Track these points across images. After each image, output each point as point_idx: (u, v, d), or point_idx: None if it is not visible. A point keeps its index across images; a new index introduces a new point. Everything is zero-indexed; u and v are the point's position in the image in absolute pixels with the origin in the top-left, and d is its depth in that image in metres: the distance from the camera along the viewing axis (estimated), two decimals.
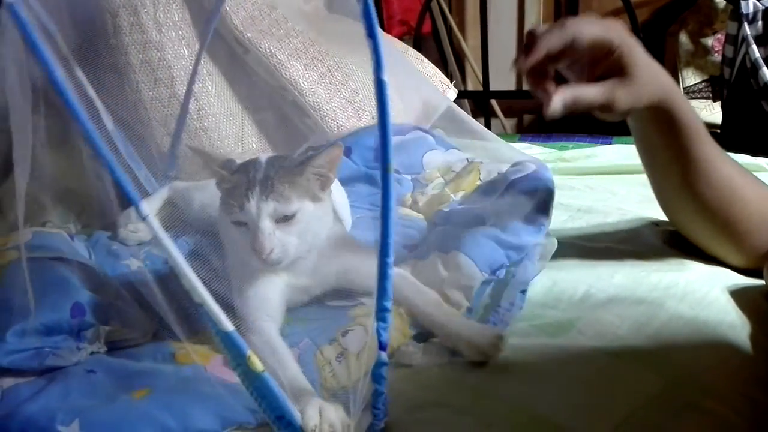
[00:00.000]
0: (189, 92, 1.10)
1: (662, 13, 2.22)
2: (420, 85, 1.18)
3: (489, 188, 0.99)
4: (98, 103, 0.69)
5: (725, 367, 0.66)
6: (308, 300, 0.82)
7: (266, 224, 0.72)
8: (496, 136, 1.12)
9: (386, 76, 0.52)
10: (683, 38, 2.14)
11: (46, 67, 0.53)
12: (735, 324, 0.72)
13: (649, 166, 0.86)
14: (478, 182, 1.06)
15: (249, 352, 0.55)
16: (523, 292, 0.80)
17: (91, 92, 0.72)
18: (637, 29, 1.85)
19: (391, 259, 0.54)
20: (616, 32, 0.73)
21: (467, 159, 1.16)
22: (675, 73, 2.14)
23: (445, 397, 0.65)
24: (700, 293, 0.77)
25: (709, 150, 0.78)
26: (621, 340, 0.71)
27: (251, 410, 0.63)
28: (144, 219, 0.53)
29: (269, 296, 0.76)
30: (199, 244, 0.79)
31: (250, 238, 0.72)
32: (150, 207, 0.80)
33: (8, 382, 0.70)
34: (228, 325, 0.55)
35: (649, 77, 0.74)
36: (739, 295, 0.77)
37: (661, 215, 0.92)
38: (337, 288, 0.81)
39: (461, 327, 0.72)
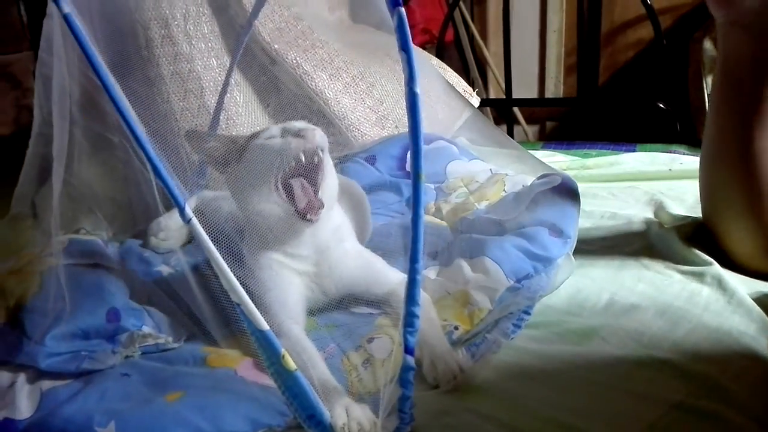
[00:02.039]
0: (220, 103, 1.13)
1: (686, 19, 2.20)
2: (443, 93, 1.19)
3: (514, 199, 1.00)
4: (132, 114, 0.71)
5: (748, 377, 0.66)
6: (327, 301, 0.84)
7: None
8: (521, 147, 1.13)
9: (419, 89, 0.53)
10: (707, 45, 2.12)
11: (99, 75, 0.57)
12: (757, 334, 0.72)
13: (722, 104, 0.85)
14: (503, 193, 1.07)
15: (283, 351, 0.58)
16: (531, 300, 0.81)
17: (126, 103, 0.75)
18: (660, 36, 1.85)
19: (420, 265, 0.56)
20: None
21: (491, 170, 1.17)
22: (699, 80, 2.12)
23: (471, 403, 0.66)
24: (723, 302, 0.77)
25: None
26: (644, 348, 0.71)
27: (280, 413, 0.64)
28: (188, 222, 0.58)
29: (289, 299, 0.79)
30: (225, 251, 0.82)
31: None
32: (179, 217, 0.83)
33: (47, 384, 0.73)
34: (263, 324, 0.58)
35: None
36: (760, 303, 0.77)
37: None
38: (354, 294, 0.83)
39: (435, 349, 0.71)
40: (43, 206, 1.06)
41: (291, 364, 0.58)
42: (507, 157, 1.16)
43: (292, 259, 0.81)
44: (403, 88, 0.55)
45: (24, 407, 0.70)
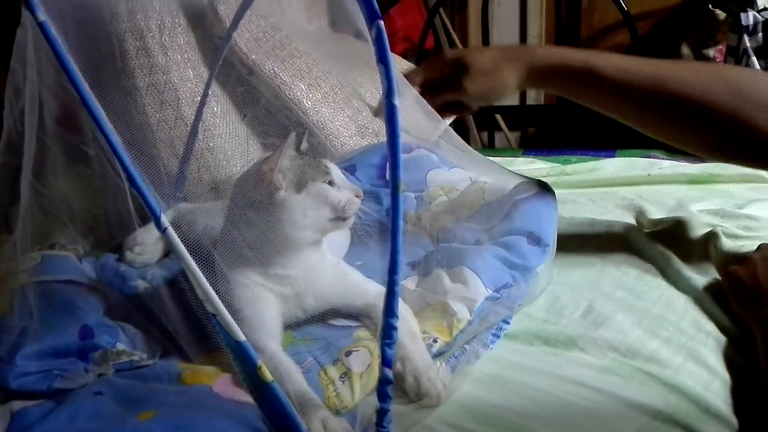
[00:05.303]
0: (199, 116, 1.12)
1: (663, 25, 2.23)
2: (420, 103, 1.19)
3: (493, 208, 1.00)
4: (107, 122, 0.70)
5: (727, 387, 0.66)
6: (305, 316, 0.82)
7: None
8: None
9: (397, 101, 0.53)
10: (685, 50, 2.14)
11: (74, 83, 0.57)
12: (734, 341, 0.72)
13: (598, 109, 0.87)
14: (482, 201, 1.06)
15: (260, 362, 0.58)
16: (510, 309, 0.81)
17: (101, 112, 0.74)
18: (638, 41, 1.86)
19: (399, 277, 0.56)
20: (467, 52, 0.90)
21: (470, 178, 1.17)
22: None
23: (451, 417, 0.66)
24: (699, 309, 0.77)
25: (615, 63, 0.81)
26: (623, 357, 0.71)
27: (256, 429, 0.63)
28: (163, 231, 0.57)
29: (264, 315, 0.77)
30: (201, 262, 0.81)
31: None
32: (155, 231, 0.81)
33: (18, 404, 0.71)
34: (240, 335, 0.58)
35: (491, 64, 0.86)
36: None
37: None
38: (333, 307, 0.83)
39: (417, 364, 0.70)
40: (16, 220, 1.04)
41: (267, 375, 0.58)
42: (484, 167, 1.16)
43: (276, 281, 0.80)
44: (382, 98, 0.54)
45: None
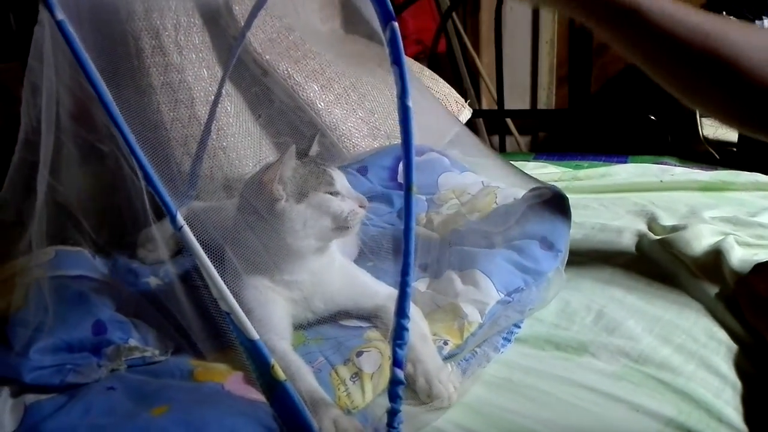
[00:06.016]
0: (212, 115, 1.12)
1: None
2: (433, 106, 1.19)
3: (505, 212, 1.00)
4: (124, 120, 0.71)
5: (738, 395, 0.66)
6: (315, 318, 0.83)
7: None
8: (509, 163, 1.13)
9: (411, 102, 0.53)
10: None
11: (92, 81, 0.57)
12: (746, 349, 0.72)
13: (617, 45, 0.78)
14: (494, 205, 1.06)
15: (273, 361, 0.58)
16: (521, 313, 0.81)
17: (118, 110, 0.75)
18: None
19: (411, 278, 0.56)
20: None
21: (482, 182, 1.17)
22: None
23: (462, 419, 0.66)
24: (713, 316, 0.77)
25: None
26: (634, 363, 0.71)
27: (267, 427, 0.64)
28: (179, 230, 0.58)
29: (273, 316, 0.78)
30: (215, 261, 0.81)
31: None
32: (167, 228, 0.82)
33: (31, 398, 0.72)
34: (253, 333, 0.58)
35: None
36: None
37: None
38: (342, 309, 0.83)
39: (428, 366, 0.70)
40: (30, 215, 1.05)
41: (280, 374, 0.59)
42: (498, 169, 1.16)
43: (284, 286, 0.80)
44: (395, 99, 0.55)
45: (7, 422, 0.69)
